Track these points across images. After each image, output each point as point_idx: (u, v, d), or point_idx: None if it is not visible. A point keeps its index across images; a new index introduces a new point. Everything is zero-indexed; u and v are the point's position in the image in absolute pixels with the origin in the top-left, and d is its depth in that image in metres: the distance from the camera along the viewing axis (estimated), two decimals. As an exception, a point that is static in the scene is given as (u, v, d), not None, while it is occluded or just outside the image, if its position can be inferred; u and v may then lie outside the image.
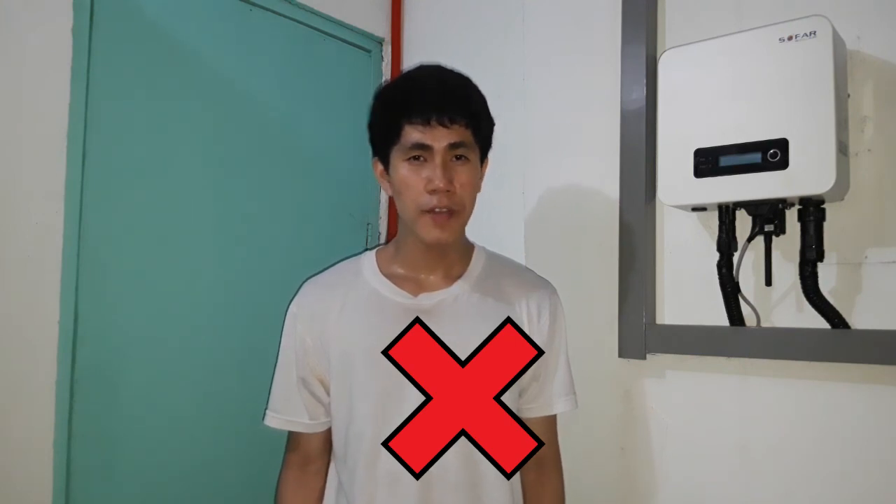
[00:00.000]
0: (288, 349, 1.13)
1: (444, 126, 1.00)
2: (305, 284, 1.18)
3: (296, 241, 1.64)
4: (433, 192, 1.01)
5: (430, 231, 1.03)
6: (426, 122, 1.00)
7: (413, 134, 1.01)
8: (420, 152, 1.02)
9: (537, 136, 1.59)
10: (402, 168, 1.03)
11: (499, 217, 1.62)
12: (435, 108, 1.00)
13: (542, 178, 1.57)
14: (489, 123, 1.10)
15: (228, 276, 1.50)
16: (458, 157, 1.03)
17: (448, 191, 1.01)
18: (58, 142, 1.23)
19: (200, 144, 1.46)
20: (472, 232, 1.15)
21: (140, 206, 1.35)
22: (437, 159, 1.01)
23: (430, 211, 1.02)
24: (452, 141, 1.01)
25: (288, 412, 1.13)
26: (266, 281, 1.55)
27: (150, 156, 1.37)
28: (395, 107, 1.04)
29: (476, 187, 1.07)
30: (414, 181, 1.02)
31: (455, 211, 1.03)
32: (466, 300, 1.10)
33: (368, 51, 1.86)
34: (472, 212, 1.08)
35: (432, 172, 1.01)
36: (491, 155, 1.14)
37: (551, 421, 1.17)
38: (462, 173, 1.03)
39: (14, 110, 1.18)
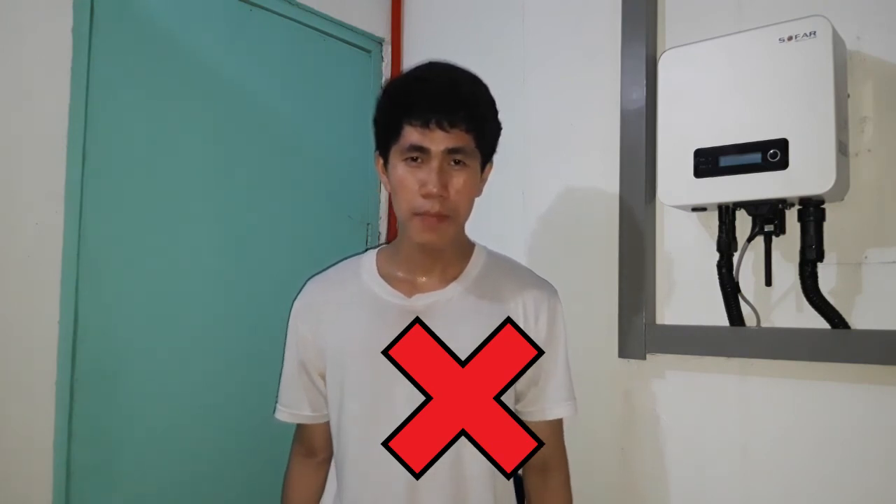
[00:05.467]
0: (291, 344, 1.15)
1: (443, 130, 0.98)
2: (309, 282, 1.18)
3: (295, 240, 1.64)
4: (427, 195, 0.99)
5: (419, 234, 1.02)
6: (425, 125, 0.98)
7: (412, 135, 0.99)
8: (417, 154, 0.99)
9: (537, 136, 1.59)
10: (399, 168, 1.02)
11: (499, 217, 1.62)
12: (435, 110, 0.98)
13: (542, 178, 1.57)
14: (495, 129, 1.08)
15: (228, 277, 1.50)
16: (457, 163, 1.01)
17: (442, 196, 0.99)
18: (58, 142, 1.23)
19: (200, 145, 1.46)
20: (472, 232, 1.15)
21: (140, 206, 1.35)
22: (434, 163, 0.99)
23: (422, 214, 1.00)
24: (450, 146, 0.99)
25: (293, 405, 1.16)
26: (266, 281, 1.55)
27: (150, 156, 1.37)
28: (398, 105, 1.02)
29: (472, 193, 1.05)
30: (409, 182, 1.00)
31: (446, 216, 1.01)
32: (460, 302, 1.09)
33: (368, 51, 1.86)
34: (467, 216, 1.06)
35: (427, 176, 0.98)
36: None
37: (553, 426, 1.13)
38: (458, 179, 1.00)
39: (14, 110, 1.18)
